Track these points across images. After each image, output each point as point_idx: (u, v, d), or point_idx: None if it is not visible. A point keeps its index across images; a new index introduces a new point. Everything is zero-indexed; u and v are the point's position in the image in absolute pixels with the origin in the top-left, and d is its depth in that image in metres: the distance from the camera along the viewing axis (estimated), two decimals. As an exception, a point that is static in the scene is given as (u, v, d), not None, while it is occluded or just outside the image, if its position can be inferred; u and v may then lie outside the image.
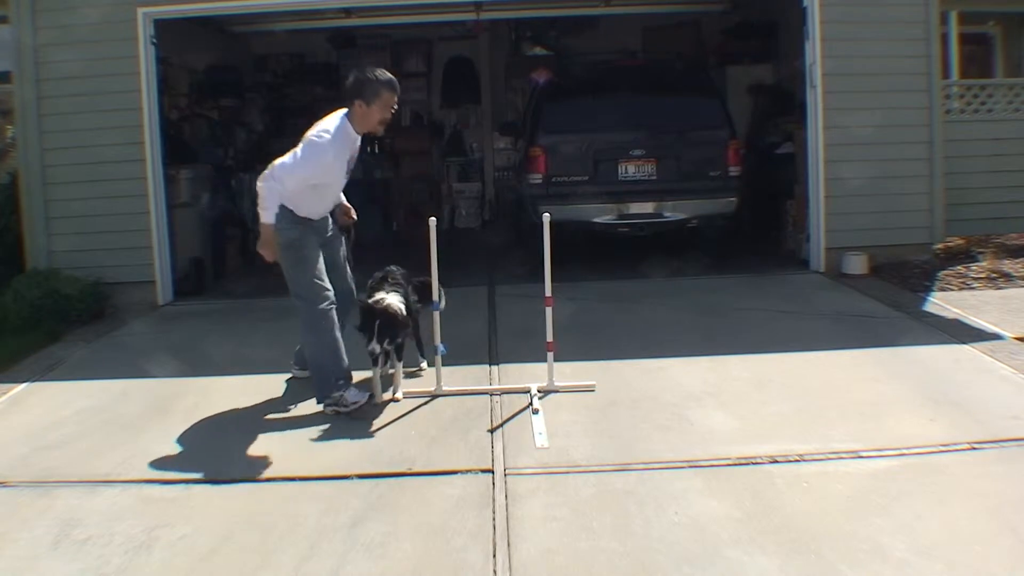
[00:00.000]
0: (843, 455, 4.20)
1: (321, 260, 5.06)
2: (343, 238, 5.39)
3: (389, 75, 4.94)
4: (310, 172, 4.81)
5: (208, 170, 9.05)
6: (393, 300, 5.02)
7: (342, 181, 5.10)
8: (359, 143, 5.10)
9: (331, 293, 5.01)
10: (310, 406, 5.08)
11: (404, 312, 5.04)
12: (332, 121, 4.89)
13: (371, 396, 5.03)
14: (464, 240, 11.50)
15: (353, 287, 5.39)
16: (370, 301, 5.01)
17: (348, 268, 5.40)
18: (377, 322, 4.91)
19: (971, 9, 10.04)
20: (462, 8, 9.69)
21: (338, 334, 4.99)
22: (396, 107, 5.01)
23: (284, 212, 4.88)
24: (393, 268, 5.37)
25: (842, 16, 7.85)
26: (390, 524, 3.72)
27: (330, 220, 5.25)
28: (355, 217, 5.36)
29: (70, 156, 7.78)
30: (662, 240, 8.78)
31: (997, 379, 5.18)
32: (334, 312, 5.00)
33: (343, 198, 5.30)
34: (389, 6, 9.26)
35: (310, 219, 5.02)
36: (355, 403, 4.87)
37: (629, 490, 3.93)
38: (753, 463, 4.14)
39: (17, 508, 4.04)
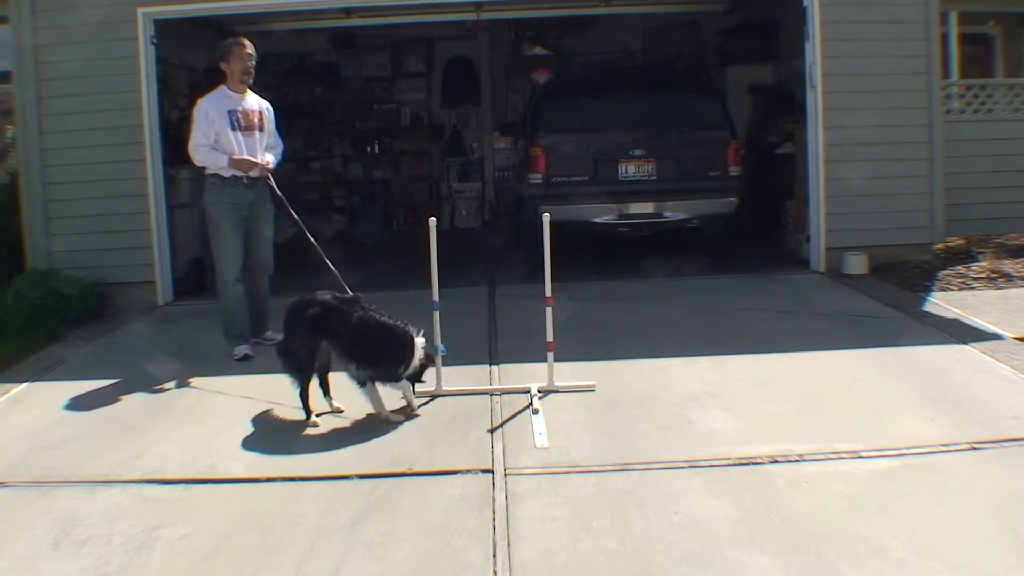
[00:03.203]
0: (843, 455, 4.19)
1: (237, 239, 6.10)
2: (271, 219, 6.29)
3: (240, 38, 6.20)
4: (199, 128, 5.99)
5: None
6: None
7: (238, 134, 6.04)
8: (252, 104, 6.17)
9: (233, 276, 6.11)
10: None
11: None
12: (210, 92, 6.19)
13: (248, 355, 6.06)
14: (464, 240, 11.50)
15: (270, 261, 6.37)
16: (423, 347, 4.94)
17: (270, 244, 6.35)
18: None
19: (971, 9, 10.05)
20: (462, 8, 9.69)
21: (240, 302, 6.18)
22: (254, 60, 6.14)
23: (209, 181, 6.11)
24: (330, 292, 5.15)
25: (842, 16, 7.85)
26: (390, 524, 3.72)
27: (257, 196, 6.13)
28: (270, 166, 6.21)
29: (70, 156, 7.78)
30: (662, 240, 8.78)
31: (997, 379, 5.18)
32: (238, 287, 6.16)
33: (268, 159, 6.21)
34: (389, 6, 9.26)
35: (231, 183, 6.04)
36: (240, 354, 6.10)
37: (629, 490, 3.93)
38: (753, 463, 4.14)
39: (17, 508, 4.04)
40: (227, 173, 6.04)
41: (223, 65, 6.14)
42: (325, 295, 5.05)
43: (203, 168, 6.14)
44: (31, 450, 4.68)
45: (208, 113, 5.99)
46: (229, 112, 6.04)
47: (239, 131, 6.07)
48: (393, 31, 12.48)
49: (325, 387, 5.04)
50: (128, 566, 3.48)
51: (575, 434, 4.57)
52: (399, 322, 4.94)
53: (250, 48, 6.13)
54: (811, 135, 8.00)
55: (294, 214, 6.02)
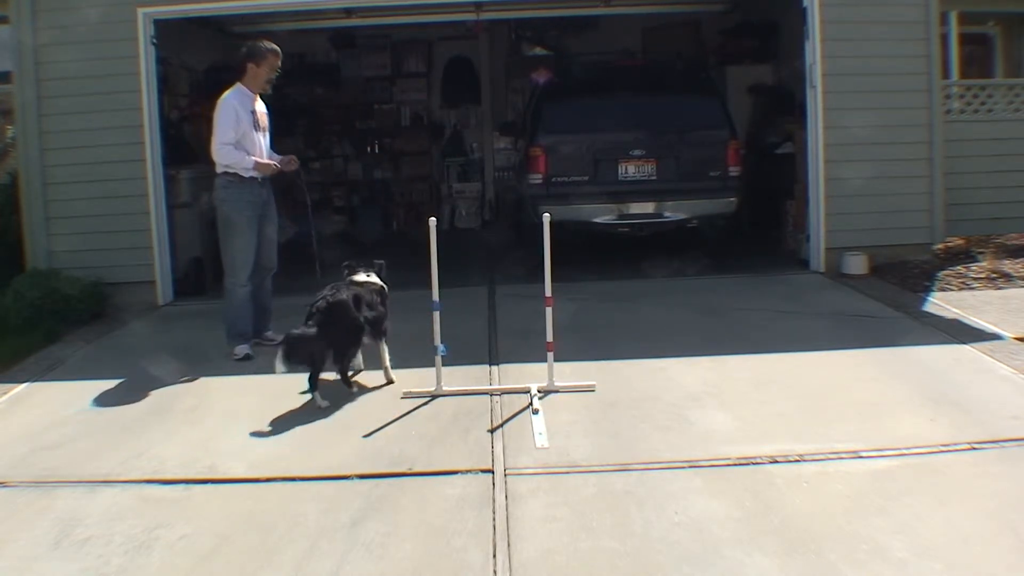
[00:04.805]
0: (843, 455, 4.19)
1: (252, 239, 6.09)
2: (276, 219, 6.34)
3: (274, 45, 6.26)
4: (228, 126, 5.94)
5: (208, 170, 9.04)
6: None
7: (258, 135, 6.14)
8: (261, 106, 6.26)
9: (245, 276, 6.10)
10: (310, 406, 5.08)
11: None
12: (228, 90, 6.13)
13: (249, 355, 6.08)
14: (464, 240, 11.50)
15: (275, 260, 6.34)
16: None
17: (275, 244, 6.33)
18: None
19: (971, 9, 10.06)
20: (462, 8, 9.69)
21: (247, 303, 6.16)
22: (280, 70, 6.28)
23: (225, 180, 6.04)
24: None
25: (842, 16, 7.86)
26: (390, 524, 3.72)
27: (268, 195, 6.21)
28: (297, 162, 6.39)
29: (70, 156, 7.78)
30: (662, 240, 8.78)
31: (997, 379, 5.18)
32: (247, 288, 6.13)
33: (275, 156, 6.31)
34: (389, 6, 9.25)
35: (248, 183, 6.02)
36: (241, 354, 6.09)
37: (629, 490, 3.93)
38: (753, 463, 4.14)
39: (17, 508, 4.04)
40: (247, 173, 6.02)
41: (250, 65, 6.10)
42: (354, 288, 5.37)
43: (212, 165, 6.07)
44: (31, 450, 4.68)
45: (237, 112, 5.98)
46: (251, 112, 6.08)
47: (259, 132, 6.14)
48: (393, 31, 12.48)
49: (316, 382, 5.10)
50: (128, 566, 3.48)
51: (575, 434, 4.57)
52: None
53: (281, 60, 6.20)
54: (811, 135, 8.00)
55: (308, 212, 6.31)
